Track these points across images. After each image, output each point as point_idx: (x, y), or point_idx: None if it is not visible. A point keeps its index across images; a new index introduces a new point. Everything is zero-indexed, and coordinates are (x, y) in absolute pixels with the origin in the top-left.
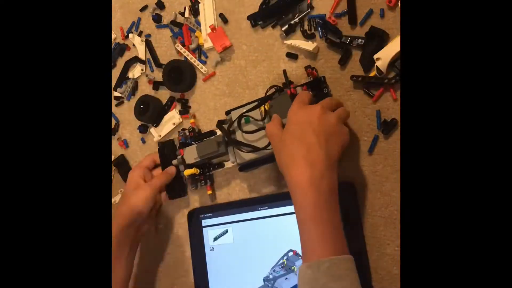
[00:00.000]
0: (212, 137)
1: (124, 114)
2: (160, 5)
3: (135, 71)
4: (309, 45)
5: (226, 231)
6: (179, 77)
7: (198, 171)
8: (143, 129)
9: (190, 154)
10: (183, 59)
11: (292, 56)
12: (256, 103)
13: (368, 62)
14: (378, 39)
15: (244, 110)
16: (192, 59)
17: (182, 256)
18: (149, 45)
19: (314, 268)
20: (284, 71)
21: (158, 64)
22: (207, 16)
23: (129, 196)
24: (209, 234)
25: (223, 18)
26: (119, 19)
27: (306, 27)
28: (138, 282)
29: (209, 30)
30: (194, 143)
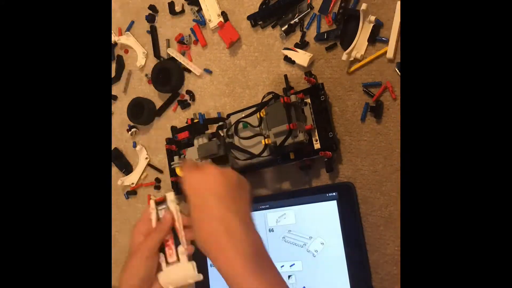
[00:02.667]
0: (214, 139)
1: (116, 114)
2: (153, 10)
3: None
4: (303, 59)
5: None
6: (167, 78)
7: None
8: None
9: (192, 154)
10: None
11: (290, 61)
12: (254, 108)
13: (347, 45)
14: (354, 19)
15: (243, 115)
16: (185, 61)
17: None
18: (153, 34)
19: None
20: (285, 76)
21: (158, 56)
22: (212, 13)
23: (129, 261)
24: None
25: (225, 17)
26: (119, 18)
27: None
28: None
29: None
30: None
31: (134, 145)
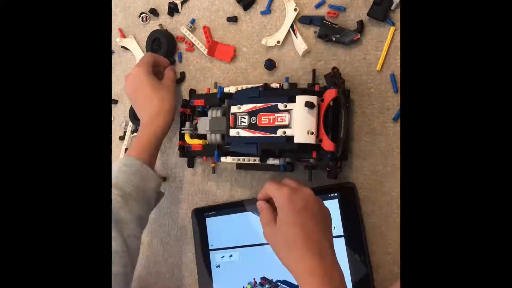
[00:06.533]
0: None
1: (119, 117)
2: (154, 13)
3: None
4: (299, 48)
5: (231, 256)
6: (158, 46)
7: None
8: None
9: (203, 125)
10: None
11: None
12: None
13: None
14: None
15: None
16: (193, 38)
17: (185, 256)
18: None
19: None
20: (313, 71)
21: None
22: None
23: (153, 99)
24: (215, 257)
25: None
26: (120, 22)
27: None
28: (142, 281)
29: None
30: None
31: None
